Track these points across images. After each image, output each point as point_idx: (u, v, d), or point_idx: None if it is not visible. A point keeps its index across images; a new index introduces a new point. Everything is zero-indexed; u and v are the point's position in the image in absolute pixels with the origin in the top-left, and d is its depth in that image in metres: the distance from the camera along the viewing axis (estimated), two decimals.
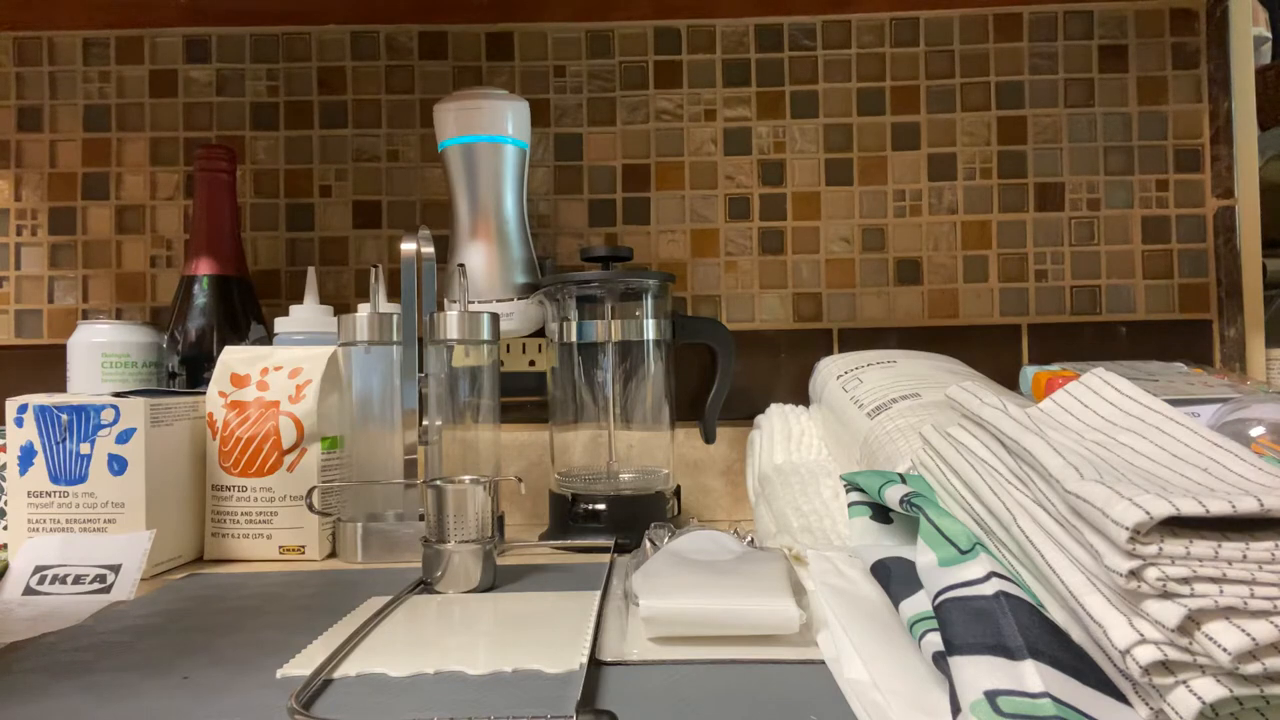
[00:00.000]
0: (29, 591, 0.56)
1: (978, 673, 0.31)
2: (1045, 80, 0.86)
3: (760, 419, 0.76)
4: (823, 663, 0.40)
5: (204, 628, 0.48)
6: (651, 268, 0.86)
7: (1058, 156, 0.86)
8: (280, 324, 0.77)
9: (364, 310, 0.70)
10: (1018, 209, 0.86)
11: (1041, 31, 0.86)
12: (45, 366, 0.86)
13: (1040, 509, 0.35)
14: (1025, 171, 0.86)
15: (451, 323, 0.69)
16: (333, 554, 0.68)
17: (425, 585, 0.54)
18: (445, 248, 0.81)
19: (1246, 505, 0.29)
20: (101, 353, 0.77)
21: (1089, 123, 0.86)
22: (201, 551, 0.68)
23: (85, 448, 0.62)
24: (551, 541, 0.70)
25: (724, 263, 0.87)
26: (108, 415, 0.62)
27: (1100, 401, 0.42)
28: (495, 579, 0.55)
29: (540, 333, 0.80)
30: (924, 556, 0.39)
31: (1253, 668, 0.27)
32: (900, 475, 0.47)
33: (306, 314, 0.77)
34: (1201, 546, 0.29)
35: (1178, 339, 0.85)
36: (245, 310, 0.79)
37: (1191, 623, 0.28)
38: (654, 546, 0.58)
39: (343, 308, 0.84)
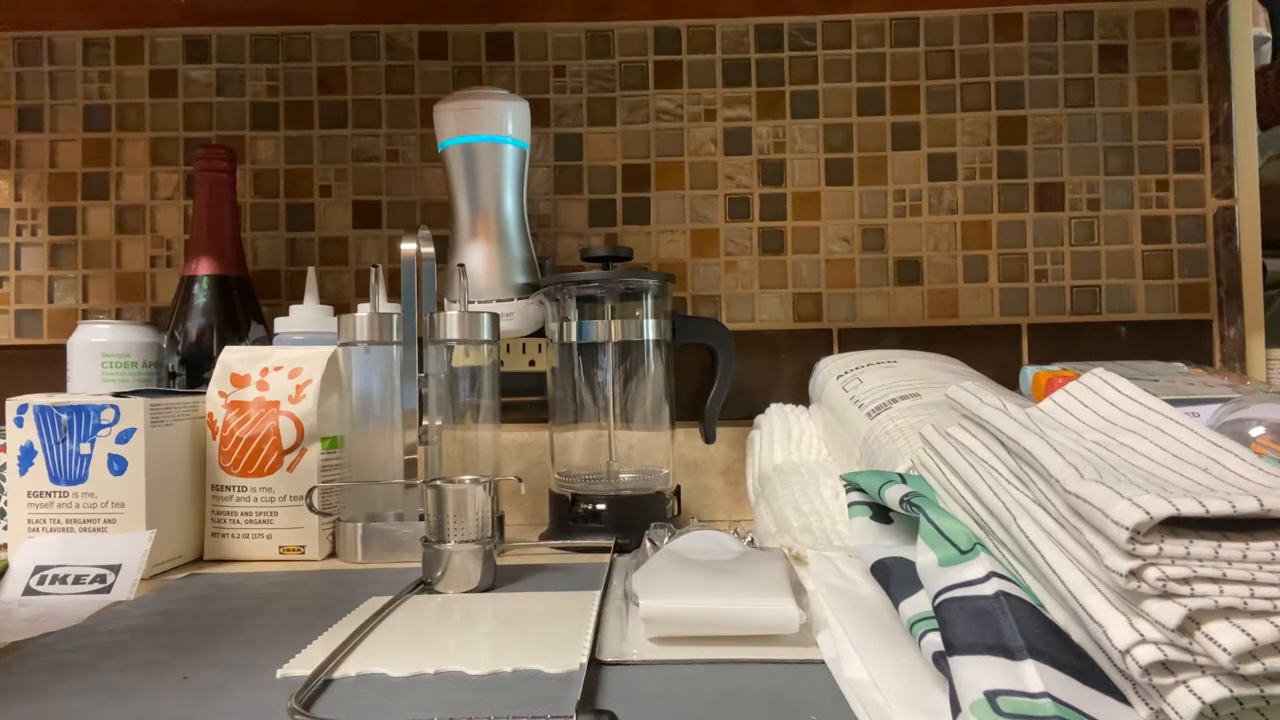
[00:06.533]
0: (29, 591, 0.56)
1: (978, 673, 0.31)
2: (1045, 80, 0.86)
3: (760, 419, 0.76)
4: (823, 663, 0.40)
5: (204, 628, 0.48)
6: (651, 268, 0.86)
7: (1058, 156, 0.86)
8: (280, 324, 0.77)
9: (364, 310, 0.70)
10: (1018, 209, 0.86)
11: (1041, 31, 0.86)
12: (45, 366, 0.86)
13: (1040, 509, 0.35)
14: (1025, 171, 0.86)
15: (451, 323, 0.69)
16: (333, 554, 0.68)
17: (425, 585, 0.54)
18: (445, 248, 0.81)
19: (1246, 505, 0.29)
20: (101, 353, 0.77)
21: (1089, 123, 0.86)
22: (201, 551, 0.68)
23: (85, 448, 0.62)
24: (551, 541, 0.70)
25: (724, 263, 0.87)
26: (108, 415, 0.62)
27: (1100, 401, 0.42)
28: (495, 579, 0.55)
29: (540, 333, 0.80)
30: (924, 556, 0.39)
31: (1253, 668, 0.27)
32: (900, 475, 0.47)
33: (306, 314, 0.77)
34: (1201, 546, 0.29)
35: (1178, 339, 0.85)
36: (245, 310, 0.79)
37: (1191, 623, 0.28)
38: (654, 546, 0.58)
39: (343, 308, 0.84)
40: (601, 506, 0.70)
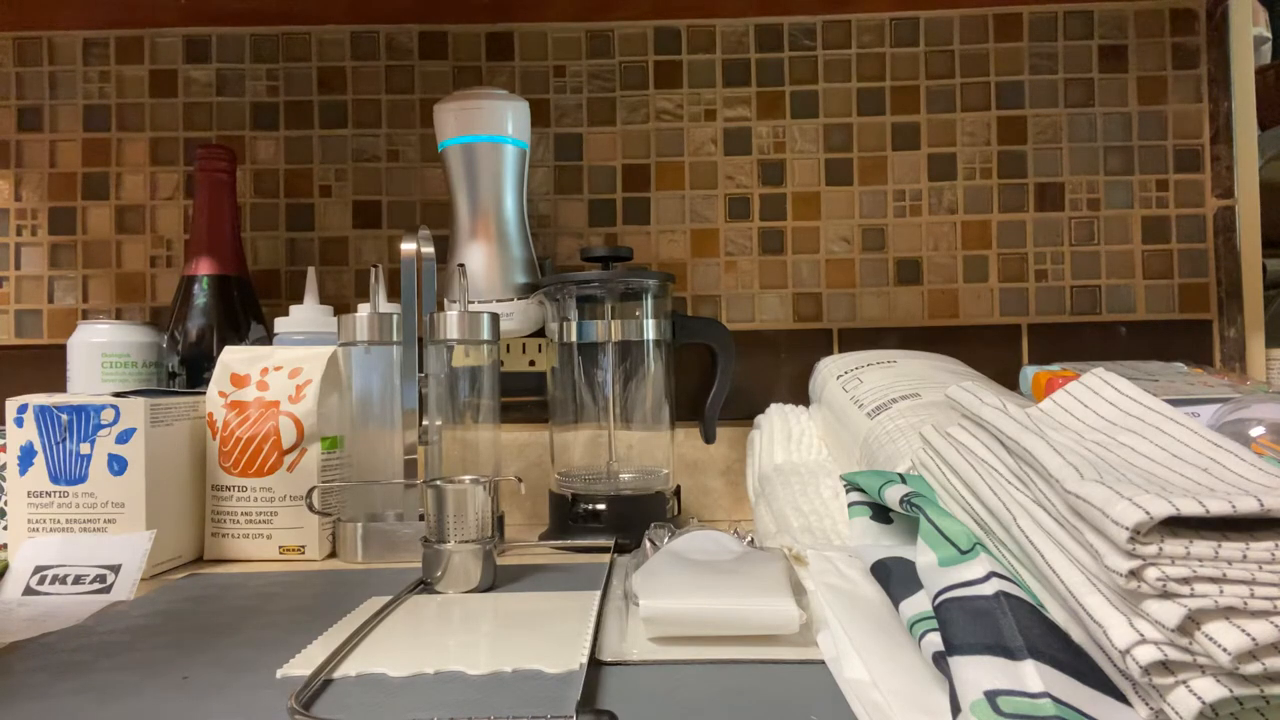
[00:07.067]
0: (29, 591, 0.56)
1: (978, 673, 0.31)
2: (1045, 80, 0.86)
3: (760, 419, 0.76)
4: (823, 663, 0.40)
5: (204, 628, 0.48)
6: (651, 268, 0.86)
7: (1058, 156, 0.86)
8: (280, 324, 0.77)
9: (364, 310, 0.70)
10: (1018, 209, 0.86)
11: (1041, 31, 0.86)
12: (45, 366, 0.86)
13: (1040, 509, 0.35)
14: (1025, 171, 0.86)
15: (451, 323, 0.69)
16: (333, 554, 0.68)
17: (425, 585, 0.54)
18: (445, 248, 0.81)
19: (1246, 505, 0.29)
20: (101, 353, 0.77)
21: (1089, 123, 0.86)
22: (201, 551, 0.68)
23: (85, 448, 0.62)
24: (551, 541, 0.70)
25: (724, 263, 0.87)
26: (108, 415, 0.62)
27: (1100, 401, 0.42)
28: (495, 579, 0.55)
29: (540, 333, 0.80)
30: (924, 556, 0.39)
31: (1253, 668, 0.27)
32: (900, 475, 0.47)
33: (306, 314, 0.77)
34: (1201, 546, 0.29)
35: (1178, 339, 0.85)
36: (245, 310, 0.79)
37: (1191, 623, 0.28)
38: (654, 546, 0.58)
39: (343, 308, 0.84)
40: (601, 506, 0.70)
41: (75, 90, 0.88)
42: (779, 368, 0.86)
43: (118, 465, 0.62)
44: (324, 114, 0.88)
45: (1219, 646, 0.27)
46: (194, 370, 0.76)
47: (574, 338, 0.74)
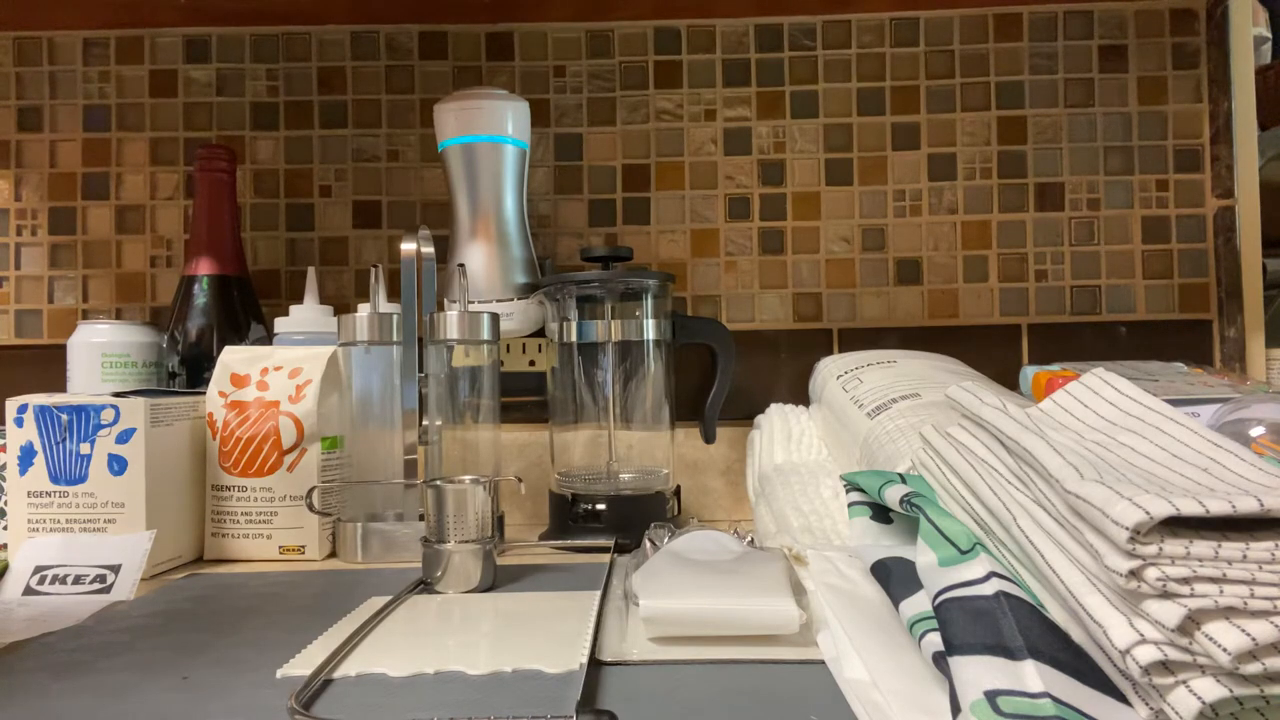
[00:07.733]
0: (29, 591, 0.56)
1: (978, 673, 0.31)
2: (1045, 80, 0.86)
3: (760, 419, 0.76)
4: (823, 663, 0.40)
5: (204, 628, 0.48)
6: (651, 268, 0.86)
7: (1058, 156, 0.86)
8: (280, 324, 0.77)
9: (364, 310, 0.70)
10: (1018, 209, 0.86)
11: (1041, 31, 0.86)
12: (45, 366, 0.86)
13: (1040, 509, 0.35)
14: (1025, 171, 0.86)
15: (451, 323, 0.69)
16: (333, 554, 0.68)
17: (425, 585, 0.54)
18: (445, 248, 0.81)
19: (1246, 505, 0.29)
20: (101, 353, 0.77)
21: (1089, 123, 0.86)
22: (201, 551, 0.68)
23: (85, 448, 0.62)
24: (551, 541, 0.70)
25: (724, 263, 0.87)
26: (108, 415, 0.62)
27: (1100, 401, 0.42)
28: (495, 579, 0.55)
29: (540, 333, 0.80)
30: (924, 556, 0.39)
31: (1253, 668, 0.27)
32: (900, 475, 0.47)
33: (306, 314, 0.77)
34: (1201, 546, 0.29)
35: (1178, 339, 0.85)
36: (245, 310, 0.79)
37: (1191, 623, 0.28)
38: (654, 546, 0.58)
39: (343, 308, 0.84)
40: (601, 506, 0.70)
41: (75, 90, 0.88)
42: (779, 368, 0.86)
43: (118, 465, 0.62)
44: (324, 114, 0.88)
45: (1219, 646, 0.27)
46: (194, 370, 0.76)
47: (574, 338, 0.74)
